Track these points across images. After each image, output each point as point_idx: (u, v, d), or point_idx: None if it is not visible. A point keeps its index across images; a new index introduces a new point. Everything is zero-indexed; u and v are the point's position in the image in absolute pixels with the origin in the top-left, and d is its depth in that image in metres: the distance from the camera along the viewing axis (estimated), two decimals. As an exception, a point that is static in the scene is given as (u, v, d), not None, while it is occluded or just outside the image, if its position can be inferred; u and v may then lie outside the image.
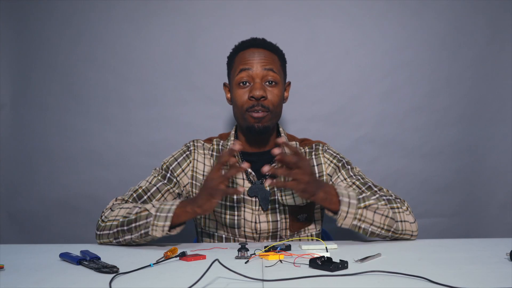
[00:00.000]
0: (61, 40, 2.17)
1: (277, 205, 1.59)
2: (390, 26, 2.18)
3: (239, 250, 1.26)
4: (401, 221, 1.46)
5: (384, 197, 1.48)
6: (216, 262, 1.07)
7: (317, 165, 1.64)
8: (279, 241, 1.60)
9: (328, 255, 1.17)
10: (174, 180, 1.61)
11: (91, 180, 2.19)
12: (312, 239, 1.66)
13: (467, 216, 2.23)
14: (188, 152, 1.65)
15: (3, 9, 2.16)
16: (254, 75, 1.55)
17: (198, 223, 1.66)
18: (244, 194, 1.59)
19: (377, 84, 2.19)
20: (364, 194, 1.45)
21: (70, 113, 2.19)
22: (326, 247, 1.34)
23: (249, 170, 1.60)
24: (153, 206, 1.41)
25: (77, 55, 2.17)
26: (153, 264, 1.17)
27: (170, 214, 1.37)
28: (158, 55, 2.17)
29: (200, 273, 1.01)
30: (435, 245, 1.43)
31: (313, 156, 1.65)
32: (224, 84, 1.70)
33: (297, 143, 1.70)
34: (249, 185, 1.60)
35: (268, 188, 1.59)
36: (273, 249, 1.28)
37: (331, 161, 1.64)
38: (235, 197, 1.59)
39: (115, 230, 1.44)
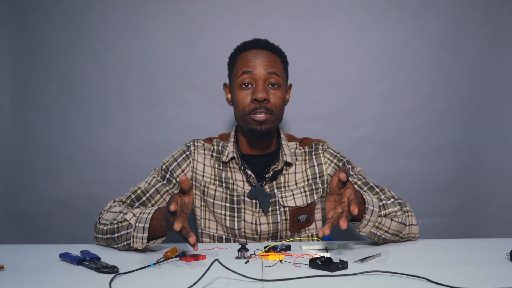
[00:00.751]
0: (61, 40, 2.17)
1: (277, 207, 1.59)
2: (390, 26, 2.18)
3: (239, 250, 1.26)
4: (409, 225, 1.46)
5: (397, 200, 1.46)
6: (216, 262, 1.07)
7: (317, 165, 1.63)
8: (280, 241, 1.60)
9: (328, 255, 1.17)
10: (173, 181, 1.60)
11: (91, 180, 2.19)
12: (312, 239, 1.66)
13: (467, 216, 2.23)
14: (188, 152, 1.64)
15: (3, 9, 2.16)
16: (256, 77, 1.53)
17: (198, 224, 1.66)
18: (244, 196, 1.59)
19: (377, 84, 2.19)
20: (384, 201, 1.42)
21: (70, 113, 2.19)
22: (326, 247, 1.34)
23: (249, 172, 1.60)
24: (134, 215, 1.35)
25: (77, 55, 2.17)
26: (153, 264, 1.17)
27: (147, 225, 1.30)
28: (158, 55, 2.17)
29: (200, 273, 1.01)
30: (435, 245, 1.43)
31: (313, 156, 1.64)
32: (225, 85, 1.66)
33: (297, 143, 1.69)
34: (249, 187, 1.60)
35: (268, 190, 1.59)
36: (273, 249, 1.28)
37: (332, 161, 1.63)
38: (235, 198, 1.58)
39: (105, 236, 1.41)
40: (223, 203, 1.59)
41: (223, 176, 1.61)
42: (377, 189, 1.54)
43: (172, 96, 2.18)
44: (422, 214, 2.17)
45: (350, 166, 1.62)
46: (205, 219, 1.63)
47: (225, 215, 1.58)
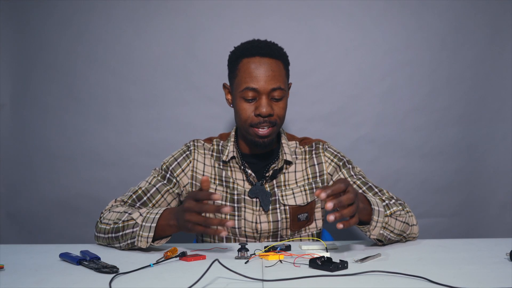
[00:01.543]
0: (61, 40, 2.17)
1: (277, 205, 1.59)
2: (390, 26, 2.18)
3: (239, 250, 1.26)
4: (412, 225, 1.47)
5: (398, 201, 1.48)
6: (216, 262, 1.07)
7: (317, 164, 1.64)
8: (280, 240, 1.60)
9: (328, 255, 1.17)
10: (174, 180, 1.61)
11: (91, 180, 2.19)
12: (312, 239, 1.66)
13: (467, 216, 2.23)
14: (188, 152, 1.65)
15: (3, 9, 2.16)
16: (260, 92, 1.51)
17: (198, 223, 1.66)
18: (245, 195, 1.59)
19: (377, 84, 2.19)
20: (387, 201, 1.43)
21: (70, 113, 2.19)
22: (326, 247, 1.34)
23: (249, 171, 1.60)
24: (140, 214, 1.37)
25: (77, 55, 2.17)
26: (153, 264, 1.18)
27: (154, 225, 1.33)
28: (158, 55, 2.17)
29: (200, 273, 1.01)
30: (435, 245, 1.43)
31: (313, 155, 1.65)
32: (224, 85, 1.65)
33: (297, 142, 1.69)
34: (250, 186, 1.60)
35: (268, 189, 1.59)
36: (273, 249, 1.28)
37: (332, 160, 1.64)
38: (235, 197, 1.59)
39: (107, 235, 1.42)
40: (224, 202, 1.59)
41: (224, 175, 1.62)
42: (376, 190, 1.54)
43: (172, 96, 2.18)
44: (422, 214, 2.17)
45: (350, 166, 1.62)
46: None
47: (225, 214, 1.58)
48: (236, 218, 1.58)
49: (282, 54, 1.59)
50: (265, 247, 1.29)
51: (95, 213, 1.64)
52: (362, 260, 1.20)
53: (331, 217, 1.13)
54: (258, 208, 1.58)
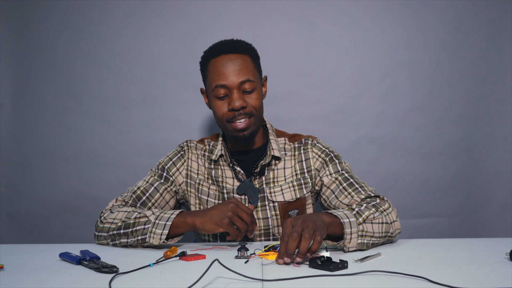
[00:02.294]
0: (61, 40, 2.17)
1: (266, 202, 1.60)
2: (390, 26, 2.18)
3: (239, 250, 1.27)
4: (392, 222, 1.42)
5: (370, 203, 1.44)
6: (216, 262, 1.07)
7: (305, 160, 1.64)
8: (273, 238, 1.61)
9: (328, 255, 1.17)
10: (170, 178, 1.63)
11: (91, 180, 2.19)
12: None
13: (467, 216, 2.23)
14: (182, 152, 1.68)
15: (3, 9, 2.16)
16: (230, 87, 1.54)
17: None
18: (233, 192, 1.60)
19: (377, 84, 2.19)
20: (357, 209, 1.38)
21: (70, 113, 2.19)
22: (326, 247, 1.34)
23: (238, 168, 1.61)
24: (153, 213, 1.41)
25: (77, 55, 2.17)
26: (153, 264, 1.18)
27: (169, 223, 1.37)
28: (158, 55, 2.17)
29: (200, 273, 1.01)
30: (435, 245, 1.43)
31: (302, 151, 1.65)
32: (201, 91, 1.69)
33: (286, 138, 1.70)
34: (238, 183, 1.61)
35: (257, 185, 1.60)
36: (273, 248, 1.28)
37: (319, 156, 1.64)
38: (225, 196, 1.61)
39: (112, 232, 1.44)
40: (216, 201, 1.62)
41: (213, 174, 1.64)
42: (356, 185, 1.53)
43: (172, 96, 2.18)
44: (422, 214, 2.17)
45: (337, 161, 1.62)
46: None
47: None
48: None
49: (247, 49, 1.62)
50: (265, 247, 1.29)
51: (95, 213, 1.64)
52: (362, 260, 1.20)
53: (298, 260, 1.16)
54: (247, 205, 1.59)
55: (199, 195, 1.63)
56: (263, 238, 1.61)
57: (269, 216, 1.60)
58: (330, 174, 1.59)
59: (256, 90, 1.57)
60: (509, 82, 2.18)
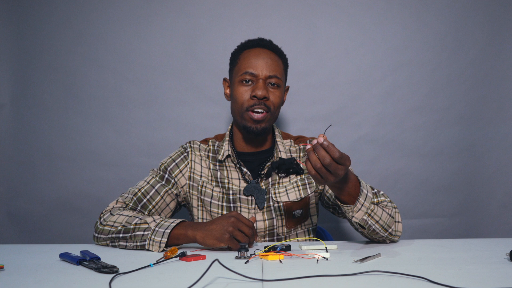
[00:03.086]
0: (61, 40, 2.17)
1: (271, 203, 1.60)
2: (390, 26, 2.18)
3: (239, 250, 1.26)
4: (397, 222, 1.45)
5: (384, 194, 1.46)
6: (216, 262, 1.07)
7: None
8: (277, 238, 1.61)
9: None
10: (172, 181, 1.62)
11: (91, 180, 2.19)
12: (311, 239, 1.66)
13: (467, 216, 2.23)
14: (185, 154, 1.66)
15: (3, 9, 2.16)
16: (258, 76, 1.57)
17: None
18: (240, 193, 1.60)
19: (377, 84, 2.19)
20: (375, 190, 1.42)
21: (70, 113, 2.18)
22: (326, 247, 1.34)
23: (245, 169, 1.61)
24: (154, 220, 1.41)
25: (77, 55, 2.17)
26: (153, 264, 1.17)
27: (168, 231, 1.36)
28: (158, 55, 2.17)
29: (200, 273, 1.01)
30: (435, 245, 1.43)
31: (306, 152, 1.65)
32: (224, 79, 1.70)
33: (292, 140, 1.71)
34: (245, 184, 1.61)
35: (264, 187, 1.60)
36: (273, 249, 1.28)
37: None
38: (231, 197, 1.60)
39: (111, 236, 1.43)
40: (220, 203, 1.60)
41: (219, 176, 1.63)
42: None
43: (172, 96, 2.18)
44: (422, 214, 2.17)
45: None
46: (202, 218, 1.63)
47: (221, 213, 1.59)
48: None
49: (282, 54, 1.65)
50: (265, 247, 1.29)
51: (95, 213, 1.64)
52: (362, 260, 1.20)
53: (307, 146, 1.22)
54: (253, 206, 1.59)
55: (202, 197, 1.62)
56: (267, 238, 1.61)
57: (274, 216, 1.60)
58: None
59: (279, 89, 1.60)
60: (509, 82, 2.18)
